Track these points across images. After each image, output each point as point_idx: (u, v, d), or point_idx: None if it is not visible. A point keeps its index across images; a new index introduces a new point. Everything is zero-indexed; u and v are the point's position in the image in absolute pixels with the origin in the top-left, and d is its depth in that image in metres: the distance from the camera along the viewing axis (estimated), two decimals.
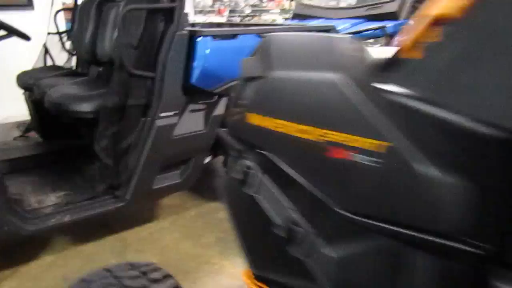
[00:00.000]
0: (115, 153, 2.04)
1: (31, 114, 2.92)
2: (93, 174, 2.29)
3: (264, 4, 6.37)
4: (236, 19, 5.70)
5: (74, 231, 2.27)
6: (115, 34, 2.48)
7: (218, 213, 2.59)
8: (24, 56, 3.24)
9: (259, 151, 0.74)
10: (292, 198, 0.68)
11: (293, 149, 0.65)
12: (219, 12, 5.95)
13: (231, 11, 6.14)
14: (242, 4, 6.28)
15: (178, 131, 2.20)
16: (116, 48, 2.33)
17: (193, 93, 2.23)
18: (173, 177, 2.29)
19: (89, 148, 2.60)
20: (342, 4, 4.66)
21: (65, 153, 2.60)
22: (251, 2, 6.41)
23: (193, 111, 2.29)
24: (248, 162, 0.76)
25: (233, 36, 2.28)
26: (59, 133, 2.75)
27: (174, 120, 2.17)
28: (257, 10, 6.80)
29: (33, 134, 3.19)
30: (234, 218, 0.89)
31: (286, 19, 5.84)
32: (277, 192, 0.70)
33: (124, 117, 2.06)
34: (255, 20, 5.91)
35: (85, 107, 2.01)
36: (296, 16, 4.19)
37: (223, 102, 2.38)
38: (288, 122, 0.65)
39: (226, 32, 2.25)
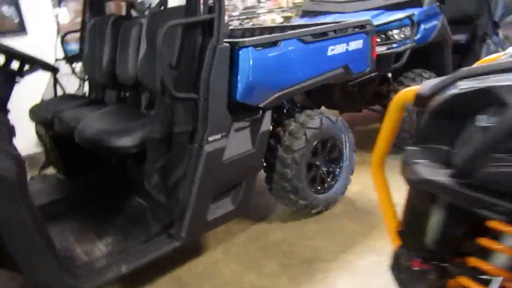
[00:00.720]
0: (166, 188, 1.82)
1: (48, 150, 2.67)
2: (136, 213, 2.07)
3: (263, 4, 6.15)
4: (235, 23, 5.49)
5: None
6: (141, 54, 2.25)
7: (270, 235, 2.38)
8: (25, 85, 2.98)
9: None
10: None
11: None
12: None
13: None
14: (240, 7, 6.05)
15: (228, 154, 2.00)
16: (145, 69, 2.11)
17: (237, 110, 2.03)
18: (226, 205, 2.09)
19: (123, 182, 2.39)
20: None
21: (96, 190, 2.36)
22: (248, 4, 6.19)
23: (238, 130, 2.09)
24: None
25: (274, 43, 2.08)
26: (84, 169, 2.51)
27: (222, 143, 1.96)
28: (248, 12, 6.56)
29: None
30: None
31: (285, 18, 5.65)
32: None
33: (171, 147, 1.84)
34: (254, 22, 5.72)
35: (128, 141, 1.79)
36: (306, 14, 4.00)
37: (268, 116, 2.18)
38: None
39: (268, 40, 2.05)
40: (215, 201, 2.04)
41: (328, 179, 2.59)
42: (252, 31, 3.21)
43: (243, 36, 3.16)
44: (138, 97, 2.38)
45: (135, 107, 2.33)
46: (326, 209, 2.59)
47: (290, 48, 2.14)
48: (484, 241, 0.77)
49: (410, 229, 1.01)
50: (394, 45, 3.11)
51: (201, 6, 1.84)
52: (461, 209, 0.87)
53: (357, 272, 1.99)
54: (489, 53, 3.65)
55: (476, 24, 3.73)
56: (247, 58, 1.96)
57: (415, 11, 3.14)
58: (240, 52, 1.94)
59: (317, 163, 2.49)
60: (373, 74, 3.01)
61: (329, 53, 2.35)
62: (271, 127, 2.21)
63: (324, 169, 2.55)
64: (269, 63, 2.06)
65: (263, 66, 2.03)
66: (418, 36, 3.16)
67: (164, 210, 1.86)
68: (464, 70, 0.73)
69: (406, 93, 0.92)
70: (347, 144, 2.63)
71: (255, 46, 1.99)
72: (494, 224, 0.71)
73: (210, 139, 1.91)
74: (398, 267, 1.11)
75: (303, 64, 2.23)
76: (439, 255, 0.97)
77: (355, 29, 2.50)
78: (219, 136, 1.95)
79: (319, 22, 3.01)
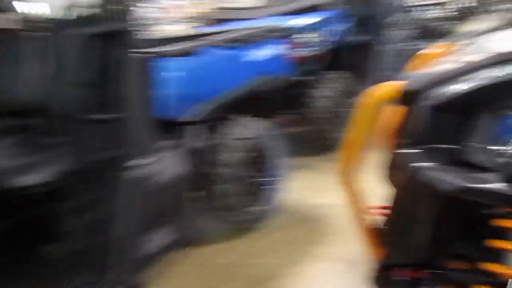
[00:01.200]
0: (91, 228, 1.53)
1: None
2: (54, 266, 1.70)
3: (164, 14, 5.89)
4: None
5: None
6: (34, 71, 1.90)
7: (216, 259, 2.17)
8: None
9: None
10: None
11: None
12: None
13: None
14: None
15: (158, 179, 1.76)
16: (43, 90, 1.78)
17: (162, 128, 1.81)
18: (166, 235, 1.83)
19: (28, 229, 1.97)
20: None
21: None
22: (153, 14, 5.87)
23: (166, 150, 1.86)
24: None
25: (194, 51, 1.91)
26: None
27: (150, 167, 1.72)
28: (149, 23, 6.24)
29: None
30: None
31: (192, 27, 5.47)
32: None
33: (90, 180, 1.55)
34: (161, 31, 5.46)
35: (35, 179, 1.45)
36: (213, 22, 3.88)
37: (198, 131, 1.99)
38: None
39: (186, 49, 1.88)
40: (153, 232, 1.77)
41: (265, 190, 2.47)
42: (160, 42, 2.98)
43: (153, 46, 2.93)
44: (34, 124, 2.01)
45: (32, 137, 1.96)
46: (268, 222, 2.46)
47: (210, 57, 1.99)
48: (500, 243, 0.69)
49: (399, 237, 0.90)
50: (309, 49, 3.13)
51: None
52: (458, 210, 0.79)
53: (314, 284, 1.88)
54: (388, 52, 3.86)
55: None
56: (168, 69, 1.76)
57: (324, 15, 3.21)
58: (159, 63, 1.73)
59: (253, 174, 2.36)
60: (292, 79, 2.99)
61: (250, 59, 2.25)
62: (203, 142, 2.02)
63: (260, 180, 2.43)
64: (191, 74, 1.90)
65: (185, 77, 1.86)
66: (330, 38, 3.23)
67: (91, 255, 1.55)
68: (484, 59, 0.65)
69: (384, 89, 0.80)
70: (279, 151, 2.54)
71: (174, 55, 1.81)
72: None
73: (134, 164, 1.66)
74: (384, 279, 1.00)
75: (226, 73, 2.10)
76: (432, 260, 0.88)
77: (272, 34, 2.44)
78: (145, 159, 1.71)
79: (231, 29, 2.91)
